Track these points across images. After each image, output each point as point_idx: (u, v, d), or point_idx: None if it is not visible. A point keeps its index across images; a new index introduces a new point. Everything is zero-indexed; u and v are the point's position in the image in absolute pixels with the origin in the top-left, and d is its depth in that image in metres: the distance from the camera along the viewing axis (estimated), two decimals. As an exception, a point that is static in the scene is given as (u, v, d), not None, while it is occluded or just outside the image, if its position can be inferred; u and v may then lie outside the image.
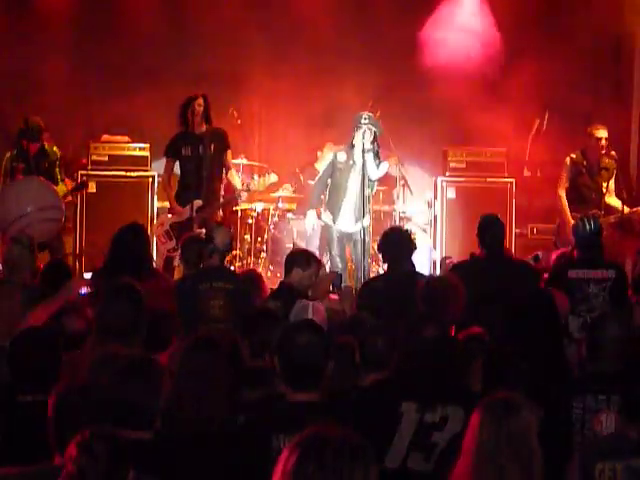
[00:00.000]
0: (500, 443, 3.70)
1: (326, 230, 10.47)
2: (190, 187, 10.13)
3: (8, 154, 10.29)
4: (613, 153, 10.45)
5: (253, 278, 8.03)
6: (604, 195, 10.34)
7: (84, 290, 6.55)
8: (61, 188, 10.11)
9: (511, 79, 12.92)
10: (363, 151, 9.97)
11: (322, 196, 10.40)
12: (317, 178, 10.57)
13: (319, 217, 10.36)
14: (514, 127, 12.74)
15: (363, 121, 10.12)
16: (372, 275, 10.25)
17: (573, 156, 10.50)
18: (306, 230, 11.01)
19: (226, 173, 10.32)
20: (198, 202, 10.06)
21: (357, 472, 2.74)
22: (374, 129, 10.15)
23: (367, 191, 10.05)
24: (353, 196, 10.15)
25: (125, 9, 13.04)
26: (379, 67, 13.02)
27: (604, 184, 10.34)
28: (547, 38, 12.89)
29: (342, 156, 10.22)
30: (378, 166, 10.16)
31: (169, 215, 10.43)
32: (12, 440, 4.38)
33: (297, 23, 13.17)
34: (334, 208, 10.25)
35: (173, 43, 13.07)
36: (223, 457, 4.19)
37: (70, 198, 10.41)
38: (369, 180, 10.06)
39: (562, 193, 10.48)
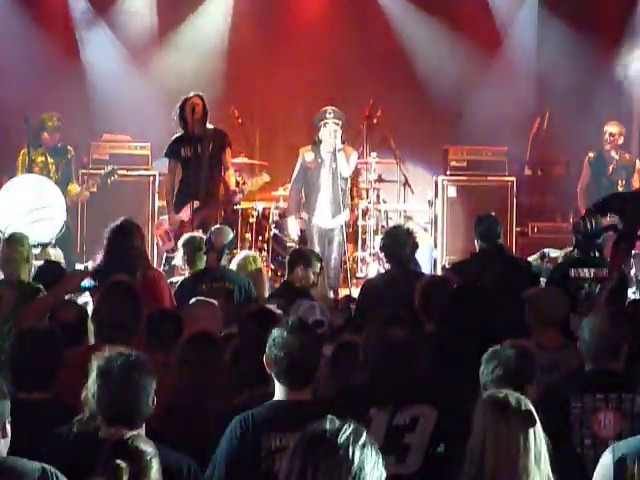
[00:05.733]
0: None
1: (308, 229, 10.49)
2: (189, 188, 10.12)
3: (24, 149, 10.33)
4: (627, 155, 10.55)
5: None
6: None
7: (88, 283, 6.54)
8: (73, 187, 10.16)
9: (512, 77, 12.93)
10: (335, 151, 10.00)
11: (300, 199, 10.43)
12: (291, 183, 10.56)
13: (300, 217, 10.41)
14: (515, 126, 12.75)
15: (328, 116, 10.11)
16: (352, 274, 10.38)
17: (590, 155, 10.59)
18: (293, 237, 10.97)
19: (224, 173, 10.30)
20: (196, 203, 10.05)
21: (367, 456, 2.73)
22: (341, 123, 10.16)
23: (342, 184, 10.07)
24: (326, 192, 10.20)
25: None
26: (379, 66, 13.02)
27: (621, 182, 10.36)
28: (547, 37, 12.90)
29: (309, 155, 10.26)
30: (348, 163, 10.16)
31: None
32: (11, 439, 4.38)
33: (297, 22, 13.18)
34: (310, 206, 10.30)
35: (174, 43, 13.08)
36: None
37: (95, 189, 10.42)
38: (342, 178, 10.10)
39: (579, 190, 10.68)
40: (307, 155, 10.28)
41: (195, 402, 4.81)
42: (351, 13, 13.29)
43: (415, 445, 4.50)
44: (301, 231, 10.61)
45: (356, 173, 11.49)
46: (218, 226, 8.04)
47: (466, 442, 3.93)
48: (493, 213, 8.32)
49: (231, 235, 7.91)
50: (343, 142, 10.20)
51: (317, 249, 10.13)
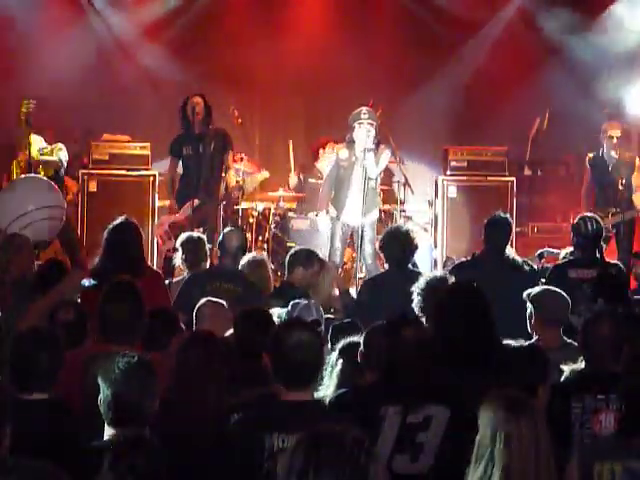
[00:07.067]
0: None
1: (333, 224, 10.51)
2: (189, 186, 10.18)
3: (23, 153, 10.39)
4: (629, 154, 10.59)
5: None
6: (621, 191, 10.36)
7: (88, 282, 6.53)
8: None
9: (512, 78, 12.94)
10: (364, 150, 10.00)
11: (331, 195, 10.45)
12: (325, 179, 10.61)
13: (327, 212, 10.44)
14: (515, 126, 12.76)
15: (363, 116, 10.13)
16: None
17: (590, 155, 10.66)
18: (322, 232, 11.00)
19: (226, 173, 10.36)
20: (196, 201, 10.08)
21: (370, 461, 2.74)
22: (375, 124, 10.17)
23: (372, 183, 10.10)
24: (357, 191, 10.20)
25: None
26: (380, 66, 13.03)
27: (620, 180, 10.36)
28: (549, 37, 12.92)
29: (344, 153, 10.27)
30: (377, 163, 10.17)
31: (170, 215, 10.49)
32: (12, 439, 4.38)
33: (298, 22, 13.18)
34: (339, 203, 10.32)
35: (174, 42, 13.09)
36: (216, 457, 4.19)
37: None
38: (369, 178, 10.12)
39: (582, 192, 10.73)
40: (342, 153, 10.31)
41: (195, 402, 4.81)
42: (351, 13, 13.30)
43: (428, 444, 4.53)
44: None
45: (387, 173, 11.48)
46: (230, 229, 8.00)
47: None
48: (504, 214, 8.16)
49: (244, 238, 7.91)
50: (378, 143, 10.21)
51: (339, 245, 10.18)
